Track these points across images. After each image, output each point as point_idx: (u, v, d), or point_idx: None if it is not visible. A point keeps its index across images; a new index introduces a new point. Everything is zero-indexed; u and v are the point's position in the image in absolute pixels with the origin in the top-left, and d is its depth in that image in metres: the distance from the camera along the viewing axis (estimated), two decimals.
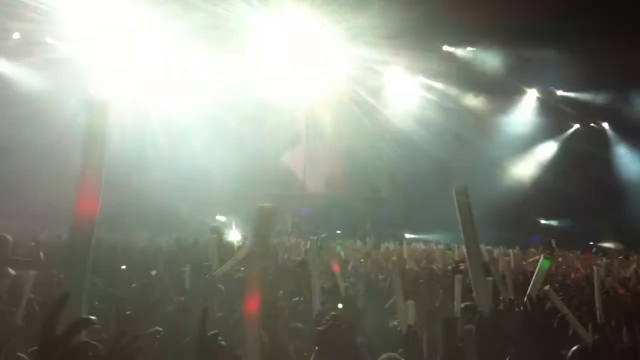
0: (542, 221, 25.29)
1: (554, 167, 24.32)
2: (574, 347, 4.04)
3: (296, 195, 24.41)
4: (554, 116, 24.76)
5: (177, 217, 19.28)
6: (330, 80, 24.11)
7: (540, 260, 4.30)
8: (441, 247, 15.95)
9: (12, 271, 6.43)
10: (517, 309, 3.42)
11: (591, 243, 19.51)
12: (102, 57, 21.41)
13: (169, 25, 21.03)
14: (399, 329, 4.88)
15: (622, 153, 24.18)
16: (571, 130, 25.47)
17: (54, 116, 19.91)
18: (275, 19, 21.88)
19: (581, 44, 19.30)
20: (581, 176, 22.75)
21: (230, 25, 21.46)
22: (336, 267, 6.55)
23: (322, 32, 23.18)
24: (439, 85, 25.07)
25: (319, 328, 4.28)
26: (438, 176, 21.50)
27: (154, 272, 8.03)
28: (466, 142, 23.94)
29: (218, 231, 11.67)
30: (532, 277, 3.89)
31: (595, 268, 6.46)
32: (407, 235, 21.53)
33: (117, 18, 20.82)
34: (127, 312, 6.08)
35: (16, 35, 21.90)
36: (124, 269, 8.80)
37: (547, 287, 4.05)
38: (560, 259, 12.69)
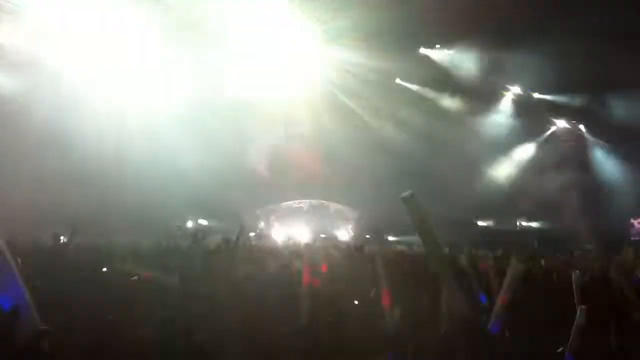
0: (523, 223, 25.37)
1: (531, 169, 24.40)
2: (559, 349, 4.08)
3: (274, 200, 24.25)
4: (531, 118, 24.87)
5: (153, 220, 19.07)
6: (308, 83, 24.09)
7: None
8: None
9: None
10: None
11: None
12: (77, 57, 21.17)
13: (145, 24, 20.97)
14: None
15: (599, 155, 24.36)
16: (548, 132, 25.58)
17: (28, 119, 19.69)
18: (254, 19, 21.86)
19: (558, 45, 19.46)
20: (559, 177, 22.94)
21: (208, 26, 21.39)
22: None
23: (301, 35, 23.25)
24: (417, 88, 25.14)
25: None
26: (418, 178, 21.55)
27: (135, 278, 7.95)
28: (445, 144, 23.99)
29: (198, 234, 11.56)
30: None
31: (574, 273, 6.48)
32: (390, 238, 21.56)
33: (91, 16, 20.68)
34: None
35: None
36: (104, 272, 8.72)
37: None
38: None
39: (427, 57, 24.37)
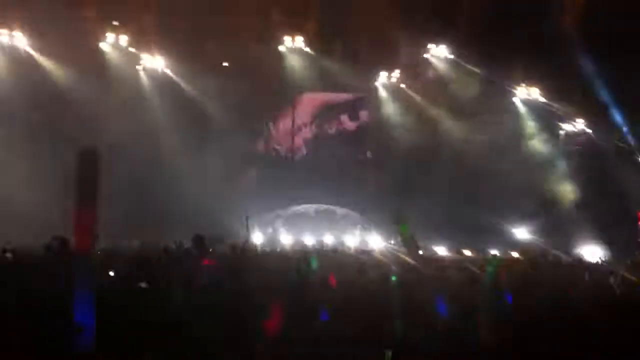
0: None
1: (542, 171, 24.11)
2: None
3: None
4: (542, 119, 24.69)
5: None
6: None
7: None
8: None
9: None
10: None
11: None
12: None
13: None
14: None
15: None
16: (559, 133, 25.20)
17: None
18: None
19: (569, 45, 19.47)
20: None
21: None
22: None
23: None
24: (423, 89, 25.13)
25: None
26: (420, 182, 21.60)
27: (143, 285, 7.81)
28: (452, 147, 23.89)
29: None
30: None
31: None
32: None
33: None
34: None
35: None
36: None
37: None
38: None
39: (434, 58, 24.50)
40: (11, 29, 21.74)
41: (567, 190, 23.04)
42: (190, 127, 23.01)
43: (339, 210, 23.73)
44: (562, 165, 23.84)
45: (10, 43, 21.85)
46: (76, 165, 3.60)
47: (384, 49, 23.93)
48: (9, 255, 10.65)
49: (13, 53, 21.91)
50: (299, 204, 23.54)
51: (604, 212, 21.22)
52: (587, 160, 23.65)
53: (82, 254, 3.48)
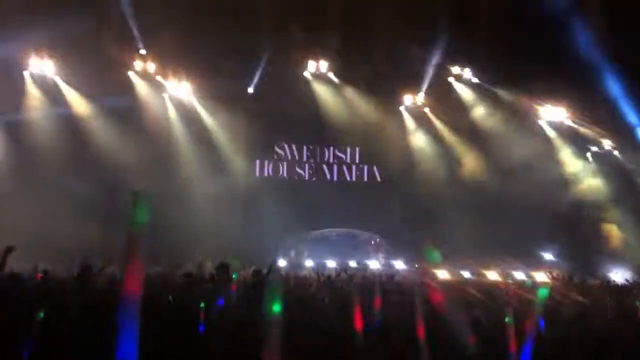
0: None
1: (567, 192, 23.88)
2: None
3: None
4: (568, 140, 24.53)
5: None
6: None
7: None
8: None
9: None
10: None
11: None
12: None
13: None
14: None
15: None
16: (586, 154, 24.97)
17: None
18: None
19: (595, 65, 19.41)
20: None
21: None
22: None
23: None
24: (447, 112, 25.13)
25: None
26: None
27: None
28: (474, 169, 23.80)
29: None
30: None
31: None
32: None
33: None
34: None
35: None
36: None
37: None
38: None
39: (460, 80, 24.55)
40: (42, 57, 22.24)
41: (597, 211, 22.77)
42: (211, 152, 23.29)
43: (361, 234, 23.68)
44: (590, 185, 23.57)
45: (40, 72, 22.32)
46: (129, 209, 3.70)
47: (407, 73, 24.06)
48: (39, 271, 10.72)
49: (42, 82, 22.36)
50: (321, 227, 23.54)
51: (632, 232, 20.98)
52: (614, 180, 23.39)
53: (131, 296, 3.57)
